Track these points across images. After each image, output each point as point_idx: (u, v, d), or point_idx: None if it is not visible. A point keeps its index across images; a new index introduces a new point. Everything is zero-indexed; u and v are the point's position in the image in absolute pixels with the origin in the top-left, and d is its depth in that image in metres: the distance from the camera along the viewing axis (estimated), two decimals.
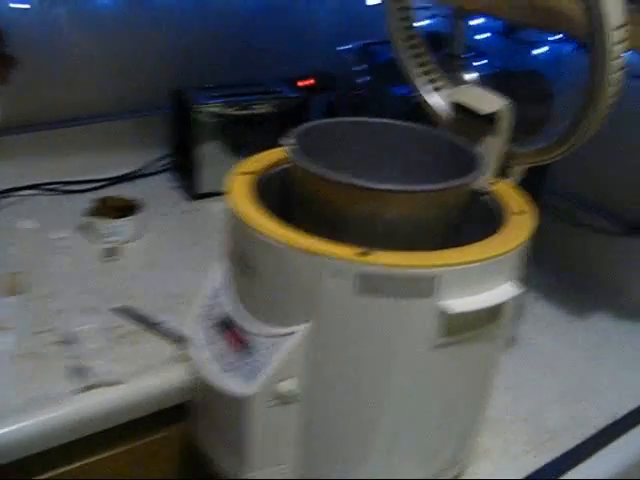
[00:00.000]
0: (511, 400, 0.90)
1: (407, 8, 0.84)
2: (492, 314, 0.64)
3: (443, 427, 0.70)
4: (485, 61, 1.07)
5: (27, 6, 1.24)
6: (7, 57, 1.15)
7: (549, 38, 1.13)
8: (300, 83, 1.46)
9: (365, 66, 1.28)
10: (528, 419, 0.87)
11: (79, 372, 0.85)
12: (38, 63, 1.29)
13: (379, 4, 1.19)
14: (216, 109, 1.29)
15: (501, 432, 0.85)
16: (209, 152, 1.31)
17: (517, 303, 0.68)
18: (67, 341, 0.91)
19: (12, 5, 1.23)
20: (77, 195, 1.32)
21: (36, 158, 1.34)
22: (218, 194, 1.33)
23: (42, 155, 1.34)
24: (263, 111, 1.33)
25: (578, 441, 0.84)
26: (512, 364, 0.95)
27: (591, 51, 0.64)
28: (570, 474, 0.79)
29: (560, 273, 1.18)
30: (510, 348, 0.98)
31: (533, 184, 0.79)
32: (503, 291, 0.63)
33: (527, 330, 1.04)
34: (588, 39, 0.64)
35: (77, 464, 0.88)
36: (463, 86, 0.79)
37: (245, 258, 0.64)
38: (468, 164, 0.68)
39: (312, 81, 1.47)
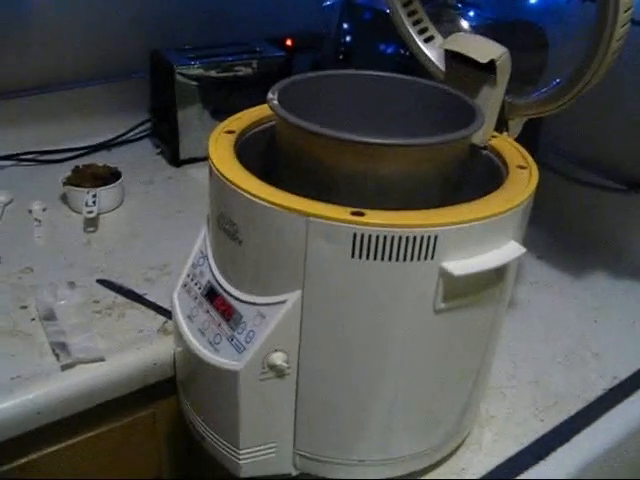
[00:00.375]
0: (513, 365, 0.87)
1: None
2: (496, 276, 0.60)
3: (445, 395, 0.67)
4: (478, 11, 1.03)
5: None
6: None
7: None
8: (283, 43, 1.40)
9: (350, 23, 1.23)
10: (531, 384, 0.84)
11: (60, 349, 0.81)
12: (8, 29, 1.23)
13: None
14: (197, 71, 1.24)
15: (505, 398, 0.82)
16: (190, 116, 1.26)
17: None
18: (46, 317, 0.87)
19: None
20: (55, 165, 1.28)
21: (11, 128, 1.29)
22: (200, 160, 1.29)
23: (17, 124, 1.29)
24: (245, 72, 1.28)
25: (583, 405, 0.81)
26: (511, 327, 0.92)
27: None
28: (577, 438, 0.77)
29: (558, 232, 1.15)
30: (509, 310, 0.95)
31: (527, 140, 0.75)
32: (507, 251, 0.59)
33: (525, 291, 1.01)
34: None
35: (62, 444, 0.85)
36: (458, 34, 0.74)
37: (230, 222, 0.59)
38: (465, 116, 0.64)
39: (295, 40, 1.42)
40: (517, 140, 0.74)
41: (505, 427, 0.78)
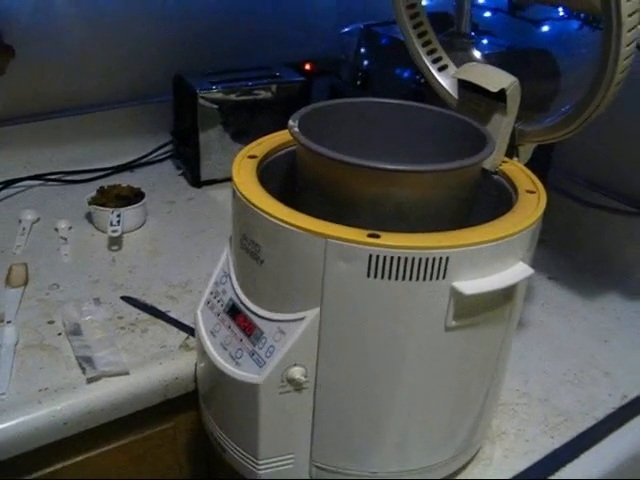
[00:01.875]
0: (524, 382, 0.89)
1: None
2: (505, 295, 0.63)
3: (457, 410, 0.69)
4: (491, 39, 1.06)
5: None
6: (5, 47, 1.14)
7: (554, 15, 1.11)
8: (302, 67, 1.44)
9: (368, 49, 1.26)
10: (541, 401, 0.86)
11: (86, 362, 0.84)
12: (37, 53, 1.28)
13: None
14: (218, 95, 1.28)
15: (516, 414, 0.84)
16: (211, 139, 1.30)
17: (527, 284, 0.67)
18: (73, 332, 0.90)
19: None
20: (80, 185, 1.32)
21: (38, 148, 1.33)
22: (220, 181, 1.32)
23: (44, 145, 1.34)
24: (265, 96, 1.32)
25: (592, 422, 0.83)
26: (523, 346, 0.94)
27: (605, 22, 0.63)
28: (586, 455, 0.78)
29: (569, 254, 1.17)
30: (520, 330, 0.97)
31: (539, 164, 0.78)
32: (516, 271, 0.61)
33: (536, 312, 1.03)
34: (603, 10, 0.62)
35: (84, 456, 0.88)
36: (470, 64, 0.77)
37: (252, 243, 0.62)
38: (477, 143, 0.66)
39: (314, 65, 1.46)
40: (529, 162, 0.76)
41: (515, 443, 0.80)
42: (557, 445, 0.80)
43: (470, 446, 0.74)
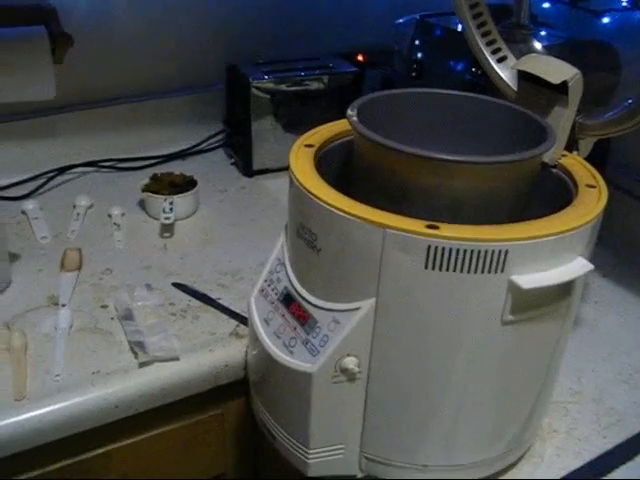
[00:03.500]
0: (576, 381, 0.87)
1: None
2: (563, 291, 0.62)
3: (508, 406, 0.68)
4: (550, 31, 1.04)
5: None
6: (63, 36, 1.15)
7: (616, 6, 1.08)
8: (355, 58, 1.43)
9: (422, 40, 1.25)
10: (594, 400, 0.85)
11: (138, 347, 0.85)
12: (93, 41, 1.29)
13: None
14: (271, 85, 1.28)
15: (568, 413, 0.82)
16: (263, 129, 1.30)
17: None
18: (125, 317, 0.91)
19: None
20: (133, 172, 1.33)
21: (92, 136, 1.35)
22: (272, 171, 1.32)
23: (98, 133, 1.35)
24: (317, 87, 1.32)
25: None
26: (575, 344, 0.93)
27: None
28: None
29: (624, 251, 1.14)
30: (573, 328, 0.95)
31: (597, 158, 0.77)
32: (575, 267, 0.60)
33: (589, 310, 1.01)
34: None
35: (134, 439, 0.89)
36: (530, 55, 0.76)
37: (309, 231, 0.62)
38: (537, 135, 0.65)
39: (366, 56, 1.45)
40: (586, 158, 0.75)
41: (567, 442, 0.79)
42: (610, 446, 0.78)
43: (521, 443, 0.74)
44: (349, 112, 0.66)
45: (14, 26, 1.13)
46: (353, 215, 0.57)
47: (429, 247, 0.55)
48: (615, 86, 0.94)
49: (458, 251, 0.55)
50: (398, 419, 0.66)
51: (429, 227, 0.56)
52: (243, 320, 0.91)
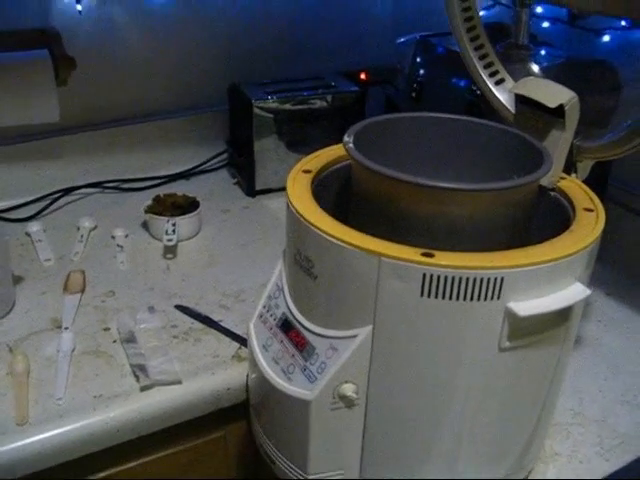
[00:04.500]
0: (579, 402, 0.87)
1: None
2: (561, 316, 0.61)
3: (509, 431, 0.68)
4: (549, 51, 1.04)
5: (79, 7, 1.25)
6: (66, 59, 1.16)
7: (616, 25, 1.08)
8: (357, 76, 1.44)
9: (423, 60, 1.26)
10: (597, 422, 0.84)
11: (139, 371, 0.86)
12: (96, 63, 1.30)
13: None
14: (273, 105, 1.28)
15: (570, 435, 0.82)
16: (266, 148, 1.31)
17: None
18: (127, 339, 0.92)
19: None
20: (136, 193, 1.34)
21: (96, 157, 1.36)
22: (275, 190, 1.33)
23: (102, 153, 1.36)
24: (319, 106, 1.32)
25: None
26: (578, 364, 0.92)
27: None
28: None
29: (627, 269, 1.14)
30: (575, 347, 0.95)
31: (597, 178, 0.76)
32: (572, 292, 0.60)
33: (592, 328, 1.01)
34: None
35: (136, 462, 0.89)
36: (528, 78, 0.76)
37: (306, 259, 0.62)
38: (534, 159, 0.65)
39: (369, 74, 1.45)
40: (586, 178, 0.75)
41: (569, 465, 0.79)
42: (613, 469, 0.78)
43: (522, 467, 0.73)
44: (345, 138, 0.66)
45: (18, 50, 1.15)
46: (348, 243, 0.57)
47: (424, 275, 0.55)
48: (615, 107, 0.94)
49: (454, 279, 0.55)
50: (397, 445, 0.66)
51: (424, 255, 0.56)
52: (245, 342, 0.91)
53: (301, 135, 1.32)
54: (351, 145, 0.65)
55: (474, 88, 1.09)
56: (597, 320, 1.03)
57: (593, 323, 1.02)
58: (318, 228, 0.60)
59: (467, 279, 0.55)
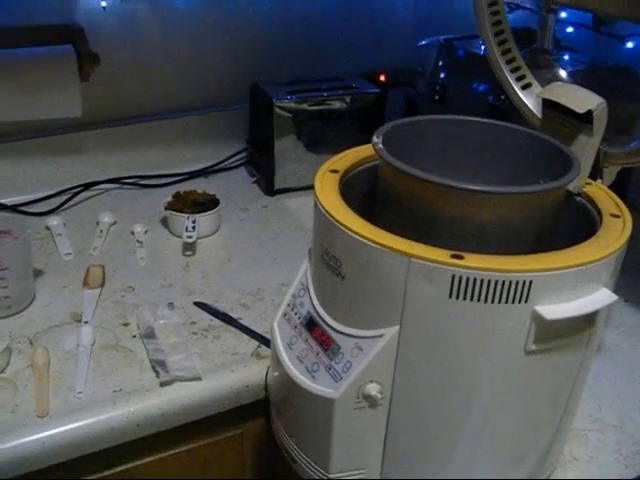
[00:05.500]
0: (597, 408, 0.87)
1: (497, 2, 0.82)
2: (587, 321, 0.62)
3: (529, 434, 0.68)
4: (573, 56, 1.04)
5: (104, 4, 1.26)
6: (89, 54, 1.17)
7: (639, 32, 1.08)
8: (377, 78, 1.44)
9: (445, 63, 1.26)
10: (615, 428, 0.84)
11: (159, 366, 0.86)
12: (118, 60, 1.31)
13: None
14: (294, 105, 1.29)
15: (589, 440, 0.82)
16: (286, 148, 1.31)
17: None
18: (147, 335, 0.92)
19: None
20: (156, 189, 1.35)
21: (117, 152, 1.36)
22: (294, 190, 1.33)
23: (123, 149, 1.37)
24: (339, 107, 1.32)
25: None
26: (598, 371, 0.92)
27: None
28: None
29: None
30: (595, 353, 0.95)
31: (618, 182, 0.76)
32: (599, 297, 0.60)
33: (612, 335, 1.01)
34: None
35: (155, 457, 0.90)
36: (555, 83, 0.76)
37: (334, 258, 0.63)
38: (561, 164, 0.66)
39: (389, 76, 1.46)
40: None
41: (587, 470, 0.78)
42: (632, 475, 0.78)
43: (541, 471, 0.73)
44: (374, 139, 0.66)
45: (42, 45, 1.15)
46: (378, 243, 0.58)
47: (453, 277, 0.56)
48: (639, 114, 0.94)
49: (482, 281, 0.55)
50: (419, 445, 0.66)
51: (454, 257, 0.56)
52: (264, 341, 0.91)
53: (320, 135, 1.32)
54: (380, 146, 0.65)
55: (498, 93, 1.09)
56: (616, 326, 1.03)
57: (612, 329, 1.02)
58: (347, 228, 0.60)
59: (496, 282, 0.55)
